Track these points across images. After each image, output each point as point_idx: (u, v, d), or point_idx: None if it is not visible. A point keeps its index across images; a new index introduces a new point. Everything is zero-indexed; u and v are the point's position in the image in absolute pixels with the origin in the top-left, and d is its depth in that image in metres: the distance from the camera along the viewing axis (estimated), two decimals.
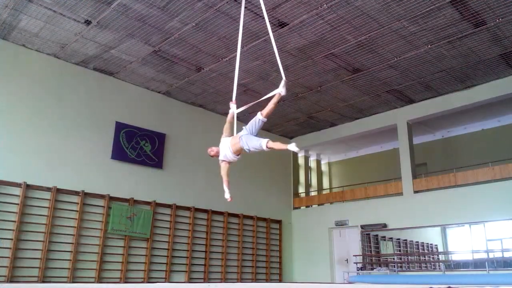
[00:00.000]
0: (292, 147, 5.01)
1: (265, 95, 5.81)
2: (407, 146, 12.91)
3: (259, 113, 5.42)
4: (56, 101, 10.35)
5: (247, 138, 5.33)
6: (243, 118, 13.21)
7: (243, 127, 5.56)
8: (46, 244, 9.34)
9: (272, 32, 9.16)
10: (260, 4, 8.20)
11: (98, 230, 10.28)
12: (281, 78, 5.55)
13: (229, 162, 5.61)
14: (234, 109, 5.88)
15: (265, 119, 5.45)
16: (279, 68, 5.96)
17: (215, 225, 12.81)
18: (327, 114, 13.86)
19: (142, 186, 11.42)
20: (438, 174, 12.39)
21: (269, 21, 8.82)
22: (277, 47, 9.84)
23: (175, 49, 9.97)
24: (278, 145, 5.20)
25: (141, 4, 8.29)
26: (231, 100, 5.98)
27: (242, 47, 9.79)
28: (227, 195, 5.56)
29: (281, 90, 5.44)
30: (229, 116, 5.89)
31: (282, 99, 5.46)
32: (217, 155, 5.62)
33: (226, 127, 5.78)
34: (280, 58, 10.28)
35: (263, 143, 5.14)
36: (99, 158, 10.82)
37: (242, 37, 9.32)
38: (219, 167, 5.64)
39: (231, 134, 5.74)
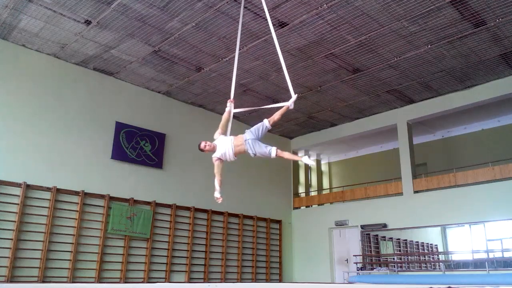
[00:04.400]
0: (306, 159, 5.18)
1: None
2: (407, 146, 12.91)
3: (266, 120, 5.58)
4: (56, 101, 10.34)
5: (254, 143, 5.38)
6: (244, 119, 13.31)
7: (247, 131, 5.59)
8: (46, 244, 9.34)
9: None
10: (260, 4, 8.22)
11: (98, 230, 10.28)
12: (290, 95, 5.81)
13: (223, 161, 5.58)
14: (231, 108, 5.93)
15: (270, 127, 5.63)
16: (282, 69, 6.06)
17: (215, 225, 12.81)
18: (327, 114, 13.85)
19: (142, 186, 11.42)
20: (438, 174, 12.39)
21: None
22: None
23: (175, 49, 9.97)
24: (288, 155, 5.39)
25: (141, 4, 8.28)
26: (230, 99, 6.03)
27: (242, 47, 9.84)
28: (217, 194, 5.45)
29: (290, 103, 5.66)
30: (226, 114, 5.91)
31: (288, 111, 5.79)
32: (212, 150, 5.55)
33: (223, 124, 5.78)
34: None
35: (273, 151, 5.27)
36: (99, 158, 10.82)
37: (242, 37, 9.37)
38: (212, 164, 5.59)
39: (226, 132, 5.75)
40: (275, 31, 9.15)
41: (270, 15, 8.59)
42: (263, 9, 8.38)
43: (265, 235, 14.21)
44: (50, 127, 10.14)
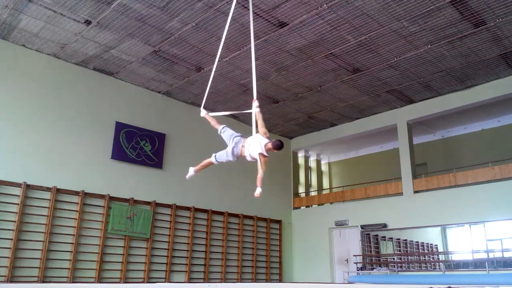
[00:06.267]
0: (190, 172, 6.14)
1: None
2: (407, 146, 12.91)
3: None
4: (56, 101, 10.34)
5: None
6: (243, 119, 13.30)
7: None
8: (46, 244, 9.34)
9: (272, 32, 9.25)
10: (260, 4, 8.23)
11: (98, 230, 10.28)
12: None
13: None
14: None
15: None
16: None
17: (215, 225, 12.81)
18: (327, 114, 13.85)
19: (142, 186, 11.42)
20: (438, 174, 12.39)
21: (269, 21, 8.88)
22: (277, 47, 9.96)
23: (175, 49, 9.97)
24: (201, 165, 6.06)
25: (141, 4, 8.28)
26: (254, 99, 5.80)
27: (242, 47, 9.84)
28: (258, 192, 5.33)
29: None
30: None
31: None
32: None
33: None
34: (280, 58, 10.40)
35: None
36: (99, 158, 10.81)
37: (242, 37, 9.39)
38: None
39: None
40: (274, 31, 9.25)
41: (270, 15, 8.65)
42: (263, 9, 8.43)
43: (265, 235, 14.21)
44: (50, 127, 10.13)
